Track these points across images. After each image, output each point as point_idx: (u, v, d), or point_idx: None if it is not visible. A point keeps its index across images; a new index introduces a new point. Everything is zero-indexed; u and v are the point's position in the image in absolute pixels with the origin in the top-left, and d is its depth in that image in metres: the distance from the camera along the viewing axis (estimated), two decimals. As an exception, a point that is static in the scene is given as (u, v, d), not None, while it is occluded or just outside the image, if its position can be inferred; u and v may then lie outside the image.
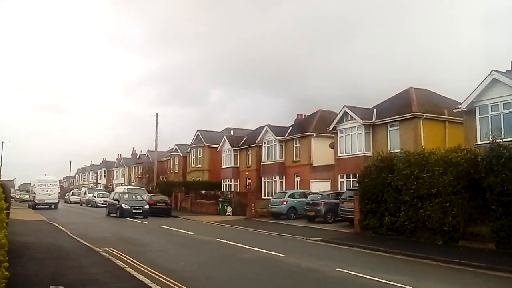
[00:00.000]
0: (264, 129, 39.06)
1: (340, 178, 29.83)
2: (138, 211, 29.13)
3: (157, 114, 46.20)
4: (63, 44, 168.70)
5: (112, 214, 30.75)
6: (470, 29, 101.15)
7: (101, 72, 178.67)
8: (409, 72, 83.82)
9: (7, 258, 6.15)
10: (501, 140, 14.13)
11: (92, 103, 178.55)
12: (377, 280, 9.51)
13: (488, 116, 19.93)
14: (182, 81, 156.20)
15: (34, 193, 40.03)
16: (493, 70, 19.71)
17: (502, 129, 17.53)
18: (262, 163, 39.40)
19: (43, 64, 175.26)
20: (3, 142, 57.03)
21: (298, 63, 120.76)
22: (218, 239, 17.02)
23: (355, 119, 28.56)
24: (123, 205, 29.36)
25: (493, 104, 19.77)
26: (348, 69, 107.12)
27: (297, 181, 35.30)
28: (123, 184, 61.30)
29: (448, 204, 15.16)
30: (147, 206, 30.08)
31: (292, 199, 27.94)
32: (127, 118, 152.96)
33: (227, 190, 42.12)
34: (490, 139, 14.42)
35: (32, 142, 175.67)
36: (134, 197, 31.78)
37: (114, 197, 32.09)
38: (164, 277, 9.34)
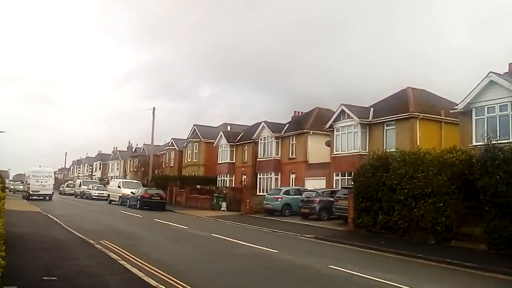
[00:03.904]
0: (261, 125, 39.04)
1: (336, 176, 29.89)
2: None
3: (154, 108, 46.11)
4: (51, 34, 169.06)
5: None
6: (460, 32, 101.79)
7: (90, 64, 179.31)
8: (400, 72, 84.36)
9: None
10: (496, 142, 14.21)
11: (82, 95, 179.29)
12: (369, 278, 9.57)
13: (484, 118, 19.99)
14: (172, 75, 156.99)
15: (29, 184, 39.89)
16: (490, 72, 19.74)
17: (498, 131, 17.61)
18: (258, 159, 39.42)
19: (30, 55, 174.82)
20: (-1, 132, 56.65)
21: (288, 61, 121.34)
22: (212, 234, 17.05)
23: (352, 118, 28.60)
24: None
25: (489, 106, 19.84)
26: (339, 69, 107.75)
27: (292, 178, 35.34)
28: (118, 177, 61.29)
29: (441, 204, 15.25)
30: None
31: (287, 196, 28.00)
32: (118, 111, 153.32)
33: (222, 185, 42.11)
34: (486, 141, 14.51)
35: (25, 133, 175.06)
36: None
37: None
38: (157, 270, 9.38)
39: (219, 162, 45.35)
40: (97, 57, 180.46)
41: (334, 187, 28.20)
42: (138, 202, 32.86)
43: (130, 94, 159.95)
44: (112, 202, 39.82)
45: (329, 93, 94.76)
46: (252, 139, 40.25)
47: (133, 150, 71.64)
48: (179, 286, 8.07)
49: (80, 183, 56.38)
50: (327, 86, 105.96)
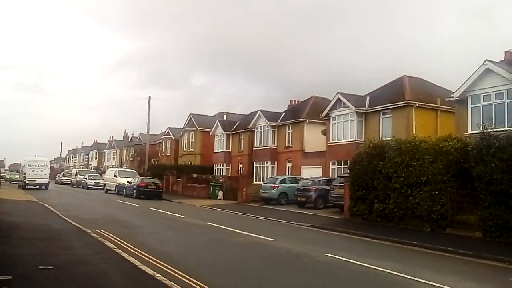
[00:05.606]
0: (257, 114, 38.98)
1: (332, 164, 29.95)
2: None
3: (149, 97, 46.02)
4: (40, 22, 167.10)
5: None
6: (451, 19, 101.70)
7: (81, 52, 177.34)
8: (393, 60, 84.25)
9: (-4, 237, 6.14)
10: (491, 130, 14.21)
11: (73, 84, 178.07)
12: (365, 266, 9.63)
13: (480, 106, 20.03)
14: (164, 64, 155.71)
15: (25, 174, 39.86)
16: (486, 60, 19.72)
17: (493, 119, 17.66)
18: (254, 148, 39.41)
19: (20, 43, 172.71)
20: (-7, 121, 56.37)
21: (281, 50, 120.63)
22: (208, 223, 17.09)
23: (348, 106, 28.58)
24: None
25: (485, 94, 19.85)
26: (333, 57, 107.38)
27: (288, 167, 35.39)
28: (114, 167, 61.18)
29: (437, 192, 15.31)
30: None
31: (283, 184, 28.06)
32: (111, 100, 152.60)
33: (218, 174, 42.16)
34: (481, 129, 14.52)
35: (18, 122, 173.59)
36: None
37: None
38: (154, 259, 9.39)
39: (215, 151, 45.32)
40: (88, 45, 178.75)
41: (330, 175, 28.28)
42: (135, 191, 32.85)
43: (123, 82, 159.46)
44: (109, 192, 39.80)
45: (323, 81, 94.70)
46: (248, 128, 40.20)
47: (129, 139, 71.43)
48: (175, 274, 8.07)
49: (76, 172, 56.20)
50: (320, 75, 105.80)
